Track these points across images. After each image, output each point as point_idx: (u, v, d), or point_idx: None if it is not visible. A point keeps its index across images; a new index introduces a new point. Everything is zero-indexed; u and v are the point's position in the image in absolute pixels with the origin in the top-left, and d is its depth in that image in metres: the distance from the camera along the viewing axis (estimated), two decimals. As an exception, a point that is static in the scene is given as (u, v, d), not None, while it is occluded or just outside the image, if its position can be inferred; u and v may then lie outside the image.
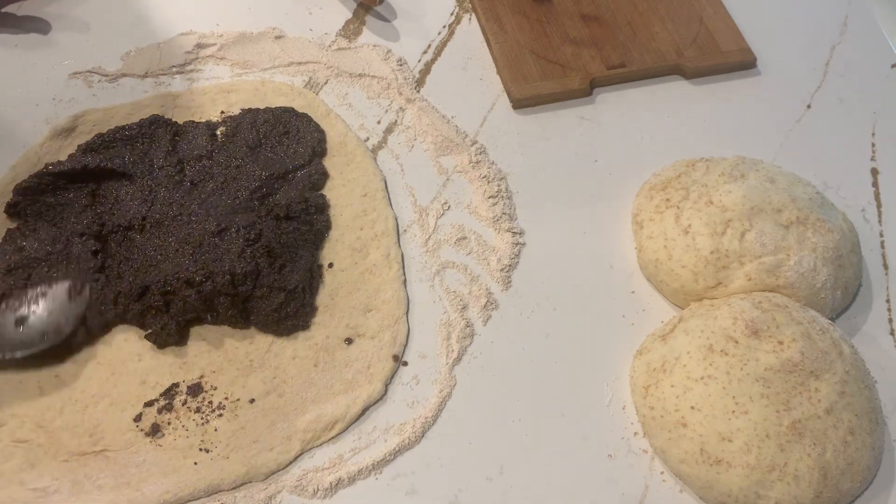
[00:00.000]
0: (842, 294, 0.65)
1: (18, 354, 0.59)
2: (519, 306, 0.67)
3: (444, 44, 0.84)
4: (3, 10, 0.81)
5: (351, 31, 0.84)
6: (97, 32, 0.81)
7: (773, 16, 0.89)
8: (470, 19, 0.86)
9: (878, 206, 0.75)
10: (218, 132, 0.74)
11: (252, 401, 0.61)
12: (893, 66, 0.86)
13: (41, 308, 0.61)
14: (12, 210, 0.66)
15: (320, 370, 0.62)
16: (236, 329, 0.63)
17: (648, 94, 0.81)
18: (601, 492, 0.58)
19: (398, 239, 0.69)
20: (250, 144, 0.72)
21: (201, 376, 0.61)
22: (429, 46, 0.83)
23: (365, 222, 0.70)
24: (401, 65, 0.81)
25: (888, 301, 0.69)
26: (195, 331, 0.63)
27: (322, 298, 0.65)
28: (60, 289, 0.62)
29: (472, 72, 0.82)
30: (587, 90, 0.80)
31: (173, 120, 0.73)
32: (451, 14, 0.87)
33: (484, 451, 0.60)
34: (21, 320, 0.61)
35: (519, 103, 0.79)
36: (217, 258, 0.63)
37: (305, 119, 0.74)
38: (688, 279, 0.65)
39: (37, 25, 0.81)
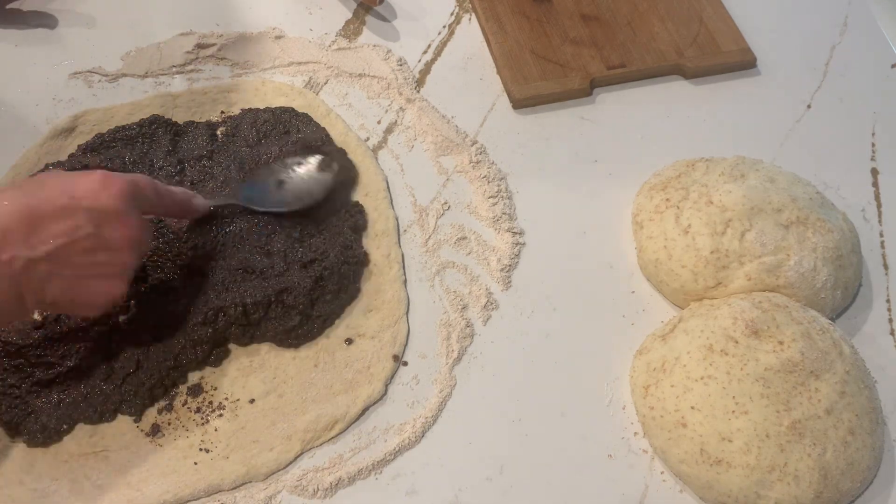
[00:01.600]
0: (842, 294, 0.65)
1: (274, 209, 0.67)
2: (519, 306, 0.67)
3: (444, 44, 0.84)
4: (8, 6, 0.80)
5: (351, 31, 0.84)
6: (97, 32, 0.81)
7: (773, 16, 0.89)
8: (470, 19, 0.86)
9: (878, 206, 0.75)
10: (218, 132, 0.74)
11: (252, 401, 0.61)
12: (893, 66, 0.86)
13: (297, 174, 0.69)
14: (12, 210, 0.66)
15: (320, 370, 0.62)
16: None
17: (648, 94, 0.81)
18: (601, 492, 0.58)
19: (398, 239, 0.69)
20: (250, 144, 0.72)
21: (201, 377, 0.61)
22: (429, 46, 0.83)
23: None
24: (401, 65, 0.81)
25: (888, 301, 0.69)
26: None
27: (322, 298, 0.65)
28: (313, 161, 0.70)
29: (472, 72, 0.82)
30: (587, 90, 0.80)
31: (173, 120, 0.73)
32: (451, 14, 0.87)
33: (484, 451, 0.60)
34: (280, 183, 0.68)
35: (519, 103, 0.79)
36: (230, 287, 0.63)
37: (305, 119, 0.74)
38: (688, 279, 0.65)
39: (43, 21, 0.81)
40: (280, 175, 0.69)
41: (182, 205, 0.61)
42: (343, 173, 0.70)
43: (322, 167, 0.70)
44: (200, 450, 0.58)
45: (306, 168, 0.69)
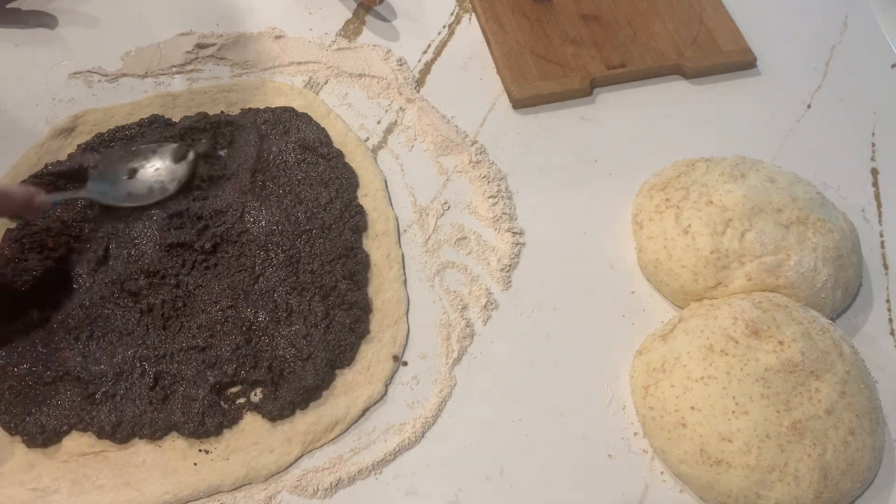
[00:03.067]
0: (842, 294, 0.65)
1: (126, 204, 0.66)
2: (519, 306, 0.67)
3: (444, 44, 0.84)
4: (8, 6, 0.80)
5: (351, 31, 0.84)
6: (97, 32, 0.81)
7: (773, 16, 0.89)
8: (470, 19, 0.86)
9: (878, 206, 0.75)
10: (218, 132, 0.74)
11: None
12: (893, 66, 0.86)
13: (150, 164, 0.67)
14: (12, 210, 0.67)
15: (320, 370, 0.62)
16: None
17: (648, 94, 0.81)
18: (601, 492, 0.58)
19: (398, 239, 0.69)
20: (250, 144, 0.72)
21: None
22: (429, 46, 0.83)
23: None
24: (401, 65, 0.81)
25: (888, 301, 0.69)
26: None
27: (322, 298, 0.65)
28: (167, 150, 0.68)
29: (472, 72, 0.82)
30: (587, 90, 0.80)
31: (173, 120, 0.73)
32: (451, 14, 0.86)
33: (484, 451, 0.60)
34: (133, 172, 0.67)
35: (519, 103, 0.79)
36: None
37: (305, 119, 0.74)
38: (688, 279, 0.65)
39: (43, 21, 0.81)
40: (132, 163, 0.68)
41: (20, 203, 0.60)
42: (193, 161, 0.68)
43: (177, 156, 0.68)
44: (200, 451, 0.58)
45: (160, 157, 0.68)
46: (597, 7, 0.85)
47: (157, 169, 0.67)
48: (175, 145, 0.69)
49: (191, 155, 0.68)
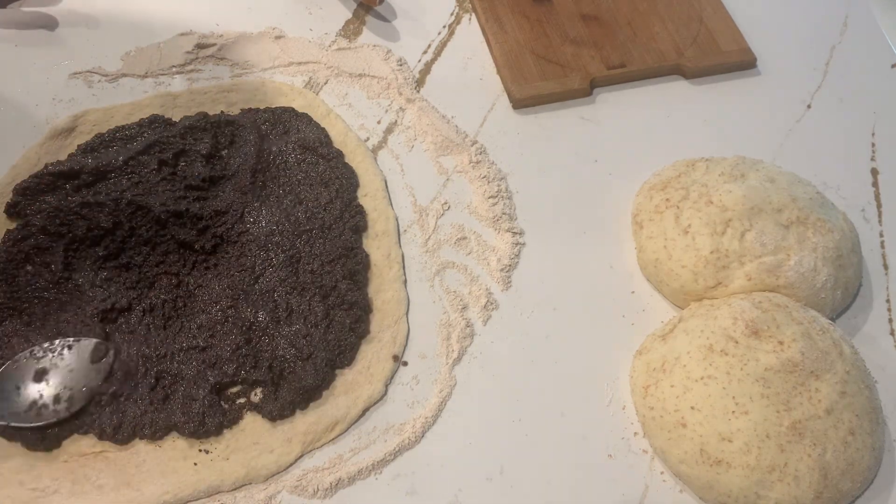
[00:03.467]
0: (842, 294, 0.65)
1: (23, 425, 0.56)
2: (519, 306, 0.67)
3: (444, 44, 0.84)
4: (8, 6, 0.80)
5: (351, 31, 0.84)
6: (97, 32, 0.81)
7: (773, 16, 0.89)
8: (470, 19, 0.86)
9: (878, 206, 0.75)
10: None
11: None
12: (893, 66, 0.86)
13: (63, 362, 0.58)
14: (12, 210, 0.66)
15: (320, 370, 0.62)
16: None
17: (648, 94, 0.81)
18: (601, 492, 0.58)
19: (398, 239, 0.69)
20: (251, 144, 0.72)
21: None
22: (429, 46, 0.83)
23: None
24: (401, 65, 0.81)
25: (888, 301, 0.69)
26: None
27: (322, 298, 0.65)
28: (85, 345, 0.59)
29: (472, 72, 0.82)
30: (587, 90, 0.80)
31: (173, 120, 0.73)
32: (451, 14, 0.86)
33: (484, 451, 0.60)
34: (41, 373, 0.57)
35: (519, 103, 0.79)
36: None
37: (305, 119, 0.74)
38: (688, 279, 0.65)
39: (43, 21, 0.81)
40: (42, 362, 0.58)
41: None
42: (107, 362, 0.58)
43: (95, 356, 0.58)
44: (200, 451, 0.58)
45: (77, 353, 0.58)
46: (597, 7, 0.85)
47: (71, 370, 0.57)
48: (95, 342, 0.59)
49: (110, 355, 0.58)
